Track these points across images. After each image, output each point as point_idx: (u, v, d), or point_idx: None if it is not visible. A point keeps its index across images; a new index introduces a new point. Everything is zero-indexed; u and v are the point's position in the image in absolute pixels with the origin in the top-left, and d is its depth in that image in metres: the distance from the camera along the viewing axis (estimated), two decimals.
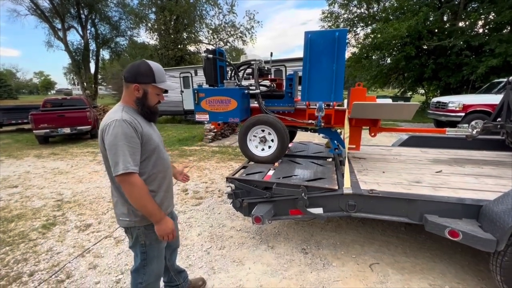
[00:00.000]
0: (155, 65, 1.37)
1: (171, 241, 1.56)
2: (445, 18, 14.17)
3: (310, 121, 3.00)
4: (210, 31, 21.98)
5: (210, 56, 2.92)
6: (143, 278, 1.50)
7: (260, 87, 3.13)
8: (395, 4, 14.33)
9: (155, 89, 1.37)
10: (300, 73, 2.84)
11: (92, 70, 21.55)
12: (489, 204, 1.77)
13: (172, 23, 19.81)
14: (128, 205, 1.36)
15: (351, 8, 16.72)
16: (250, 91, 3.10)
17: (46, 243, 2.80)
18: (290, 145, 3.78)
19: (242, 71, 3.32)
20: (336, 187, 2.16)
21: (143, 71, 1.34)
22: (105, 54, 22.99)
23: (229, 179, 2.49)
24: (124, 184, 1.27)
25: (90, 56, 21.06)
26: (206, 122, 3.09)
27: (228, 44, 22.40)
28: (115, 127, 1.24)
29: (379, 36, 13.31)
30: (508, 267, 1.70)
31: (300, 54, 19.07)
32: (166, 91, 1.48)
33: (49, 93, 66.49)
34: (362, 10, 16.69)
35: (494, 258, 1.77)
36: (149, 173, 1.40)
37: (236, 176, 2.55)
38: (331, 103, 3.00)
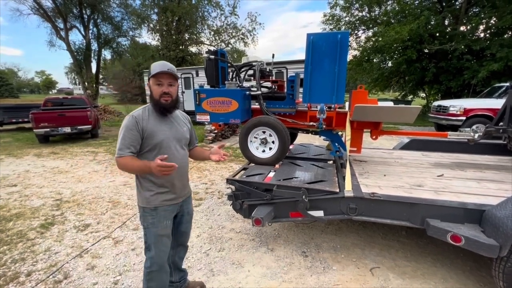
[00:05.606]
0: (156, 62, 1.55)
1: (177, 236, 1.72)
2: (446, 22, 14.21)
3: (311, 123, 2.99)
4: (212, 33, 22.07)
5: (212, 56, 2.92)
6: (147, 264, 1.61)
7: (262, 88, 3.13)
8: (397, 8, 14.37)
9: (152, 80, 1.53)
10: (302, 75, 2.83)
11: (94, 70, 21.51)
12: (492, 209, 1.76)
13: (174, 24, 19.89)
14: (137, 188, 1.59)
15: (353, 11, 16.76)
16: (252, 93, 3.09)
17: (44, 243, 2.78)
18: (290, 147, 3.77)
19: (244, 72, 3.32)
20: (337, 190, 2.15)
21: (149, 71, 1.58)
22: (106, 54, 22.89)
23: (229, 181, 2.48)
24: (117, 163, 1.50)
25: (92, 56, 21.01)
26: (207, 123, 3.08)
27: (230, 45, 22.47)
28: (125, 120, 1.50)
29: (380, 39, 13.35)
30: (511, 273, 1.68)
31: (301, 56, 19.07)
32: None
33: (50, 92, 66.67)
34: (364, 13, 16.74)
35: (497, 263, 1.75)
36: None
37: (237, 177, 2.54)
38: (333, 106, 2.99)
